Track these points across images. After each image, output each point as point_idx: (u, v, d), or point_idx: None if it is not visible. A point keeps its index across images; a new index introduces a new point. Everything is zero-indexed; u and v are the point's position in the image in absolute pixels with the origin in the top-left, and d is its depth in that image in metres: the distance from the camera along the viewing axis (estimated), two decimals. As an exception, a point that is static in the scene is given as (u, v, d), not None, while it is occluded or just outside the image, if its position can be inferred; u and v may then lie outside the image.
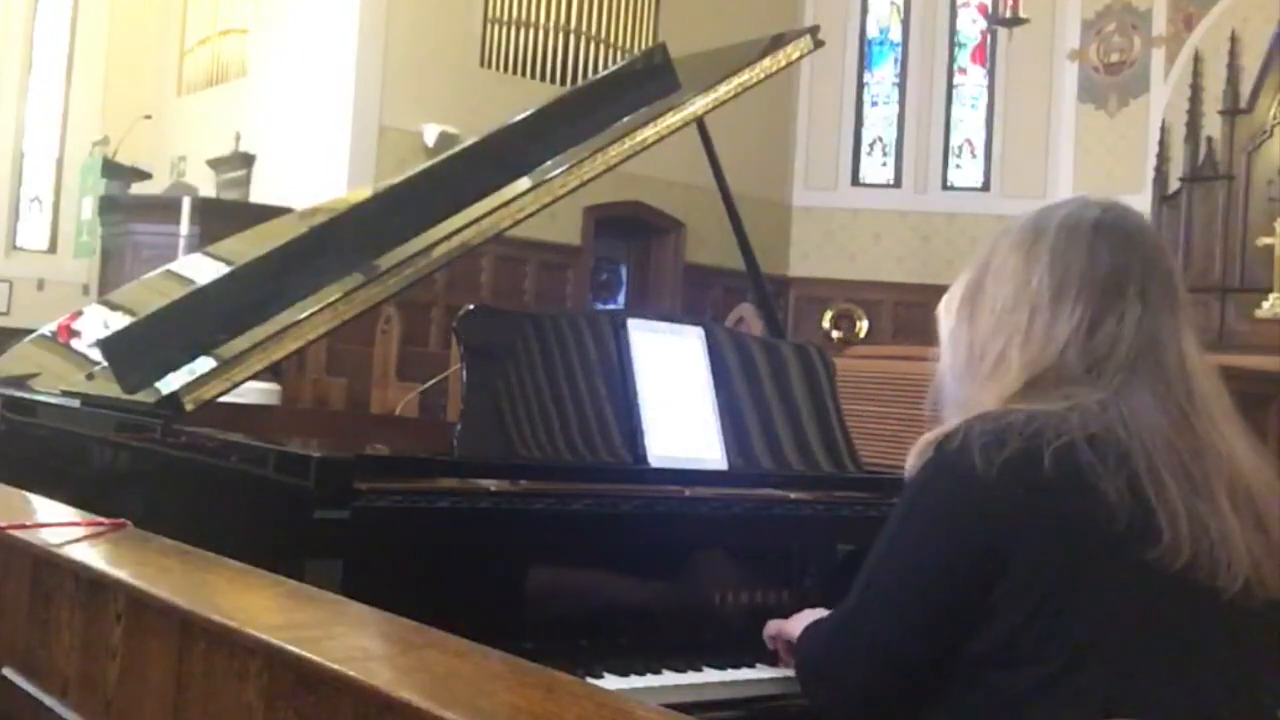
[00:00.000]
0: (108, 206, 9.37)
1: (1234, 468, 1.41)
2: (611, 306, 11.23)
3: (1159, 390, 1.42)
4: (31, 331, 3.42)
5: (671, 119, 2.60)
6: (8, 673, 1.69)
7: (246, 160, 10.68)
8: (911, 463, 1.49)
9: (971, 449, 1.38)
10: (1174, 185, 10.84)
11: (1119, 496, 1.34)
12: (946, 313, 1.61)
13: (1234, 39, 10.67)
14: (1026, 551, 1.36)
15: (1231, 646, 1.38)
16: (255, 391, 4.35)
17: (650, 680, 1.81)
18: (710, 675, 1.87)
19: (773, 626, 1.91)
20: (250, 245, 2.98)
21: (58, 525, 1.77)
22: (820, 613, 1.79)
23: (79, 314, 3.36)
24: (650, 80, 2.80)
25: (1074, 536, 1.36)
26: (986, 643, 1.38)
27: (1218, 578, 1.35)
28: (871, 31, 12.56)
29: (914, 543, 1.46)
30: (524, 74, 10.27)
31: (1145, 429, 1.38)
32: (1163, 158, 10.95)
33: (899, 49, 12.49)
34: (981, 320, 1.53)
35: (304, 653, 1.15)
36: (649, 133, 2.55)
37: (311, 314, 2.09)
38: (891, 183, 12.39)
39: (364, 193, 3.72)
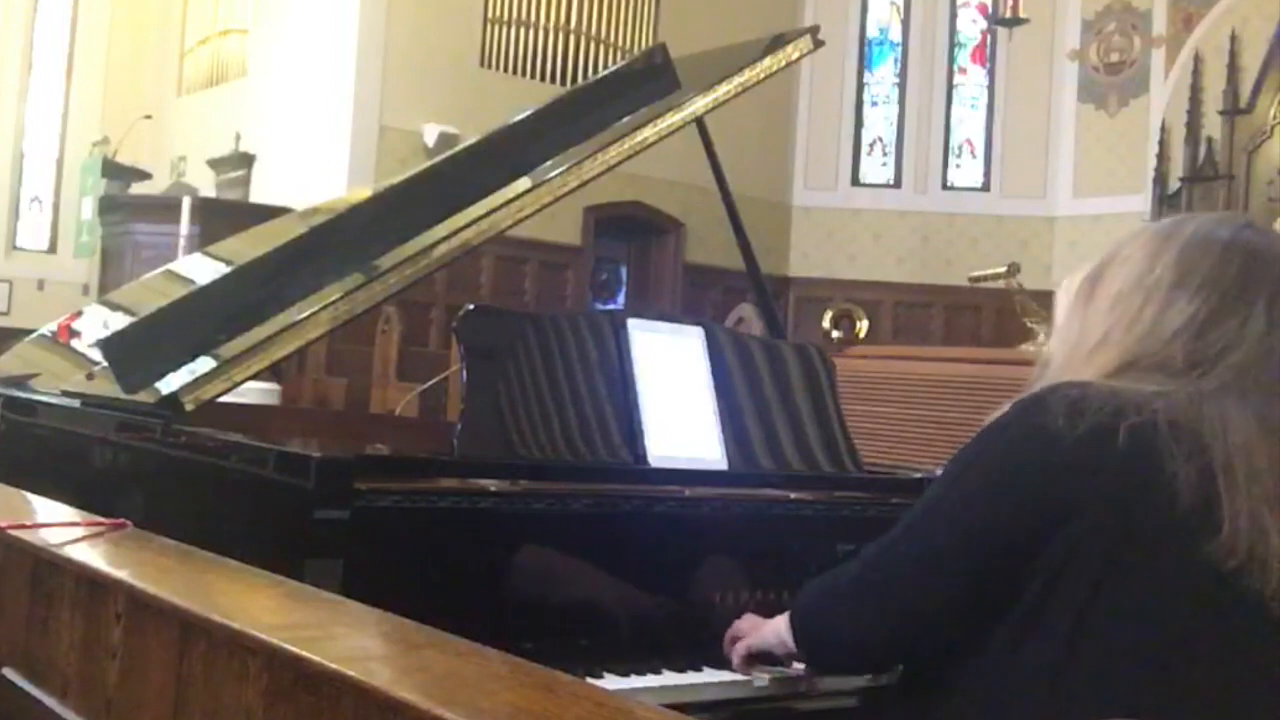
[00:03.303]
0: (108, 206, 9.37)
1: None
2: (611, 306, 11.23)
3: (1264, 404, 1.39)
4: (31, 331, 3.42)
5: (671, 119, 2.60)
6: (8, 673, 1.69)
7: (246, 160, 10.68)
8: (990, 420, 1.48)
9: (1051, 409, 1.38)
10: (1174, 185, 10.84)
11: (1186, 483, 1.33)
12: (1065, 294, 1.59)
13: (1234, 39, 10.67)
14: (1086, 514, 1.36)
15: (1271, 654, 1.36)
16: (255, 391, 4.35)
17: (650, 680, 1.81)
18: (710, 675, 1.87)
19: (740, 649, 1.86)
20: (250, 245, 2.98)
21: (58, 525, 1.77)
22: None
23: (79, 314, 3.37)
24: (650, 80, 2.80)
25: (1133, 511, 1.35)
26: (1024, 609, 1.37)
27: (1269, 585, 1.33)
28: (871, 31, 12.56)
29: (975, 485, 1.45)
30: (524, 74, 10.27)
31: (1234, 431, 1.36)
32: (1163, 158, 10.95)
33: (899, 49, 12.49)
34: (1098, 303, 1.52)
35: (304, 653, 1.15)
36: (649, 133, 2.55)
37: (311, 314, 2.09)
38: (891, 183, 12.39)
39: (364, 193, 3.72)
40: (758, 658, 1.85)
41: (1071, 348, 1.53)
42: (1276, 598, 1.33)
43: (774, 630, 1.78)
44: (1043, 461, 1.39)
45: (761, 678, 1.85)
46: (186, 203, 8.41)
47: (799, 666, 1.84)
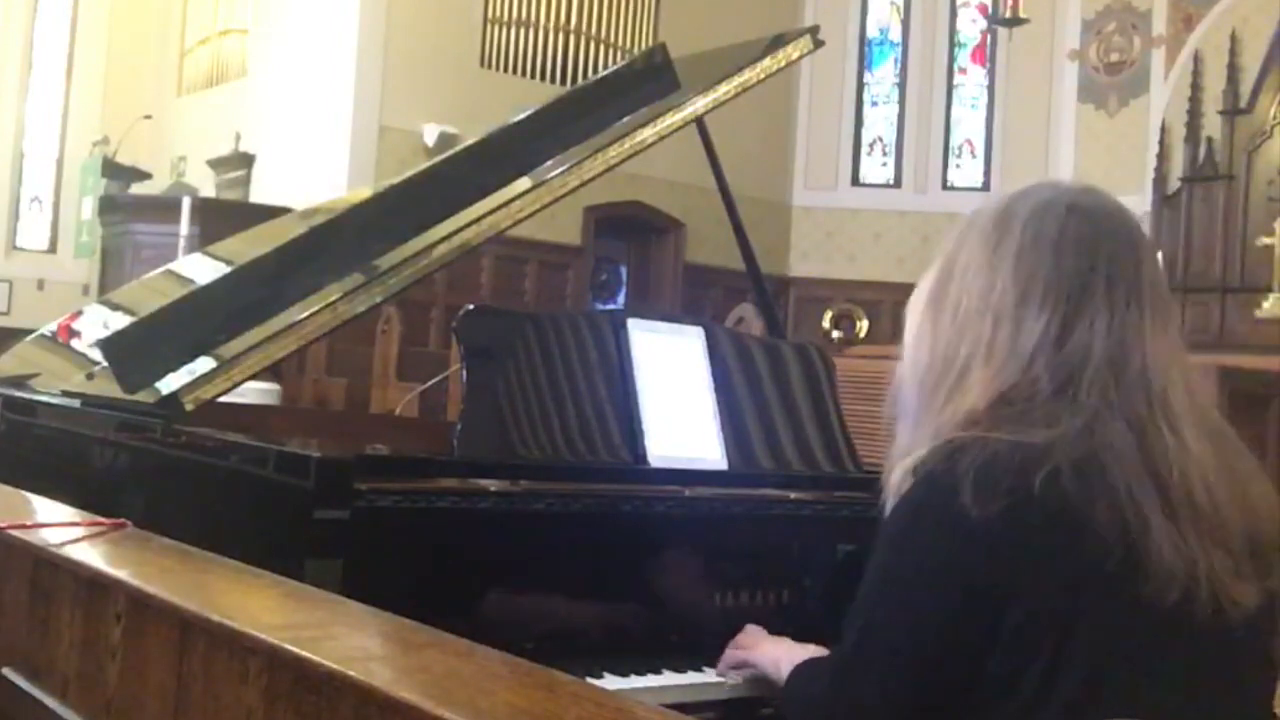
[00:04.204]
0: (108, 206, 9.37)
1: (1199, 469, 1.33)
2: (611, 306, 11.23)
3: (1124, 404, 1.35)
4: (31, 331, 3.42)
5: (671, 119, 2.60)
6: (8, 673, 1.69)
7: (246, 160, 10.68)
8: (891, 490, 1.41)
9: (960, 486, 1.30)
10: (1174, 185, 10.83)
11: (1107, 528, 1.28)
12: (913, 309, 1.51)
13: (1234, 39, 10.66)
14: (1025, 593, 1.30)
15: (1235, 677, 1.35)
16: (255, 391, 4.35)
17: (650, 680, 1.81)
18: (710, 675, 1.87)
19: (737, 656, 1.86)
20: (250, 245, 2.98)
21: (58, 525, 1.77)
22: (793, 647, 1.76)
23: (79, 314, 3.37)
24: (650, 80, 2.80)
25: (1070, 578, 1.30)
26: (989, 681, 1.32)
27: (1210, 608, 1.29)
28: (871, 31, 12.56)
29: (909, 585, 1.38)
30: (524, 74, 10.27)
31: (1122, 452, 1.31)
32: (1163, 158, 10.95)
33: (899, 49, 12.49)
34: (945, 322, 1.45)
35: (304, 653, 1.15)
36: (649, 133, 2.55)
37: (311, 314, 2.09)
38: (891, 183, 12.39)
39: (364, 193, 3.72)
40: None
41: (924, 374, 1.46)
42: (1223, 620, 1.29)
43: (774, 662, 1.76)
44: (968, 554, 1.31)
45: (762, 677, 1.86)
46: (186, 203, 8.42)
47: None
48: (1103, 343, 1.37)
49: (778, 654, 1.76)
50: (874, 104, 12.56)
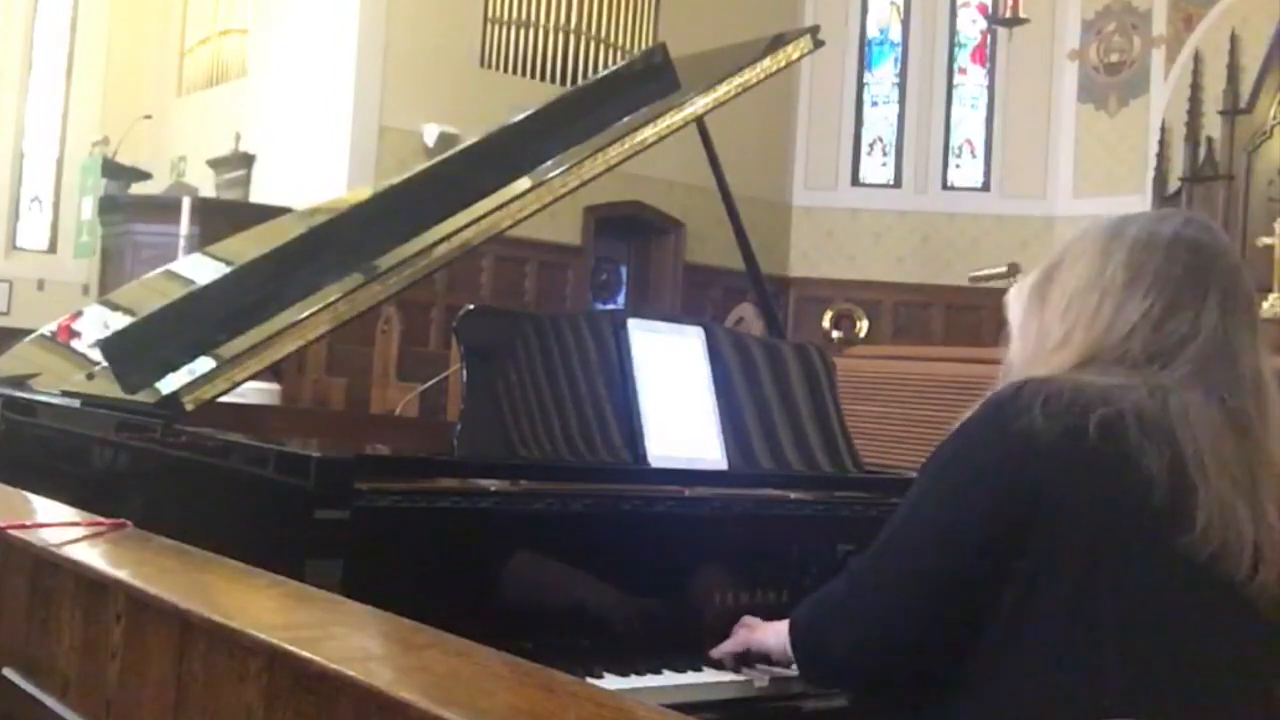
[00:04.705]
0: (108, 206, 9.37)
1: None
2: (611, 306, 11.23)
3: (1226, 393, 1.42)
4: (31, 331, 3.42)
5: (671, 119, 2.60)
6: (8, 673, 1.69)
7: (246, 160, 10.68)
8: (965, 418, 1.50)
9: (1023, 406, 1.40)
10: (1174, 185, 10.83)
11: (1159, 475, 1.36)
12: (1015, 302, 1.62)
13: (1234, 39, 10.66)
14: (1064, 511, 1.38)
15: (1247, 640, 1.39)
16: (255, 391, 4.34)
17: (650, 680, 1.81)
18: (710, 675, 1.87)
19: (739, 641, 1.89)
20: (250, 245, 2.98)
21: (58, 525, 1.77)
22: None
23: (79, 314, 3.36)
24: (650, 80, 2.80)
25: (1109, 506, 1.37)
26: (1010, 608, 1.39)
27: (1241, 571, 1.35)
28: (871, 31, 12.56)
29: (952, 488, 1.47)
30: (524, 74, 10.27)
31: (1200, 423, 1.39)
32: (1163, 158, 10.94)
33: (899, 49, 12.49)
34: (1051, 306, 1.55)
35: (304, 653, 1.15)
36: (649, 133, 2.55)
37: (311, 314, 2.09)
38: (891, 183, 12.39)
39: (364, 193, 3.72)
40: (756, 658, 1.85)
41: (1031, 350, 1.56)
42: (1248, 584, 1.36)
43: (775, 633, 1.79)
44: (1018, 460, 1.40)
45: (761, 678, 1.86)
46: (186, 203, 8.41)
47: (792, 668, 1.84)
48: (1208, 335, 1.45)
49: (778, 627, 1.79)
50: (874, 104, 12.56)
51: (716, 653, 1.90)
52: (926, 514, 1.49)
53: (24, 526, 1.72)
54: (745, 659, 1.87)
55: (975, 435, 1.47)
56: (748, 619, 1.93)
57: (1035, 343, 1.56)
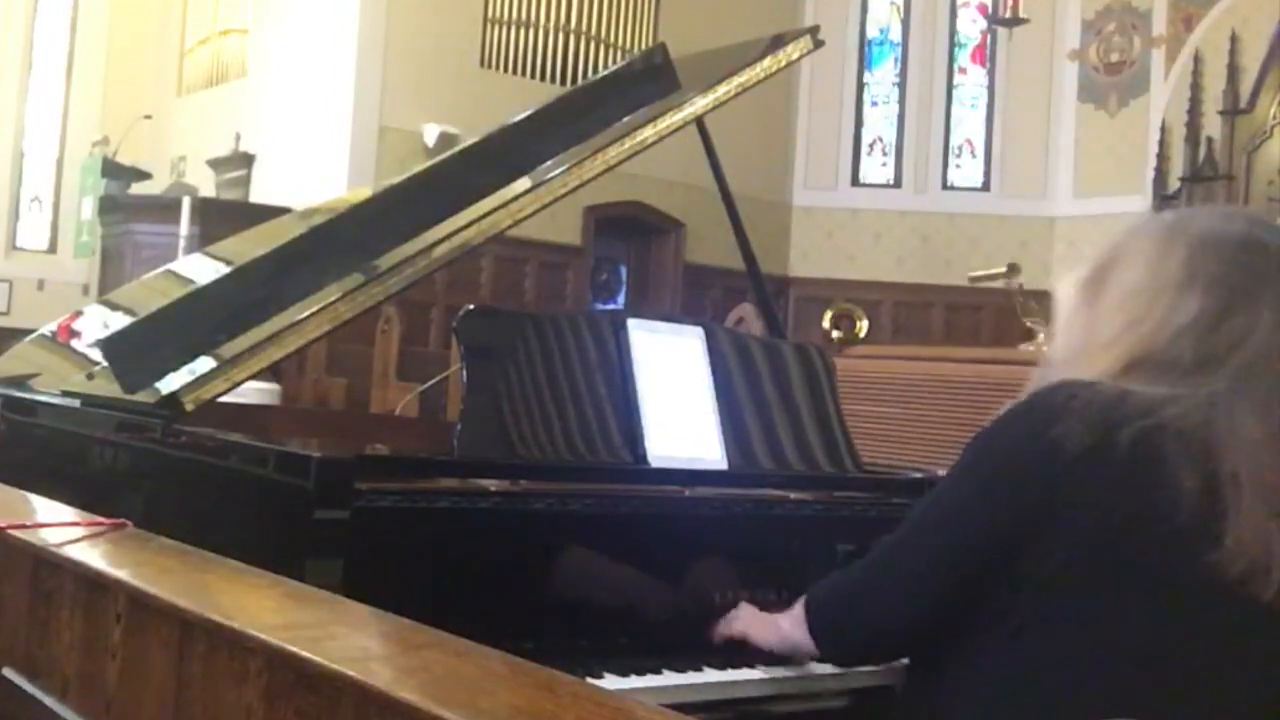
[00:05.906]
0: (108, 206, 9.36)
1: None
2: (611, 306, 11.23)
3: (1271, 403, 1.38)
4: (31, 331, 3.42)
5: (671, 119, 2.60)
6: (8, 673, 1.69)
7: (246, 160, 10.68)
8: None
9: (1055, 412, 1.38)
10: (1174, 185, 10.82)
11: (1190, 493, 1.32)
12: (1066, 295, 1.57)
13: (1234, 39, 10.66)
14: (1081, 519, 1.36)
15: (1273, 660, 1.37)
16: (255, 391, 4.35)
17: (650, 680, 1.81)
18: (710, 675, 1.87)
19: (733, 628, 1.91)
20: (250, 245, 2.97)
21: (58, 525, 1.77)
22: (786, 615, 1.80)
23: (79, 314, 3.36)
24: (650, 80, 2.80)
25: (1130, 518, 1.35)
26: (1021, 610, 1.38)
27: (1269, 591, 1.32)
28: (871, 31, 12.55)
29: (974, 486, 1.46)
30: (524, 74, 10.26)
31: (1241, 440, 1.35)
32: (1163, 158, 10.94)
33: (899, 49, 12.48)
34: (1106, 301, 1.50)
35: (304, 653, 1.15)
36: (649, 133, 2.55)
37: (311, 314, 2.09)
38: (891, 183, 12.38)
39: (364, 193, 3.72)
40: (753, 654, 1.86)
41: (1076, 346, 1.52)
42: (1276, 603, 1.33)
43: (774, 627, 1.79)
44: (1040, 468, 1.39)
45: (762, 677, 1.86)
46: (186, 203, 8.41)
47: (790, 669, 1.85)
48: (1263, 337, 1.40)
49: (777, 620, 1.80)
50: (874, 104, 12.55)
51: (714, 634, 1.90)
52: (948, 505, 1.50)
53: (24, 526, 1.72)
54: (741, 653, 1.88)
55: (1007, 434, 1.45)
56: (745, 607, 1.93)
57: (1081, 339, 1.51)
